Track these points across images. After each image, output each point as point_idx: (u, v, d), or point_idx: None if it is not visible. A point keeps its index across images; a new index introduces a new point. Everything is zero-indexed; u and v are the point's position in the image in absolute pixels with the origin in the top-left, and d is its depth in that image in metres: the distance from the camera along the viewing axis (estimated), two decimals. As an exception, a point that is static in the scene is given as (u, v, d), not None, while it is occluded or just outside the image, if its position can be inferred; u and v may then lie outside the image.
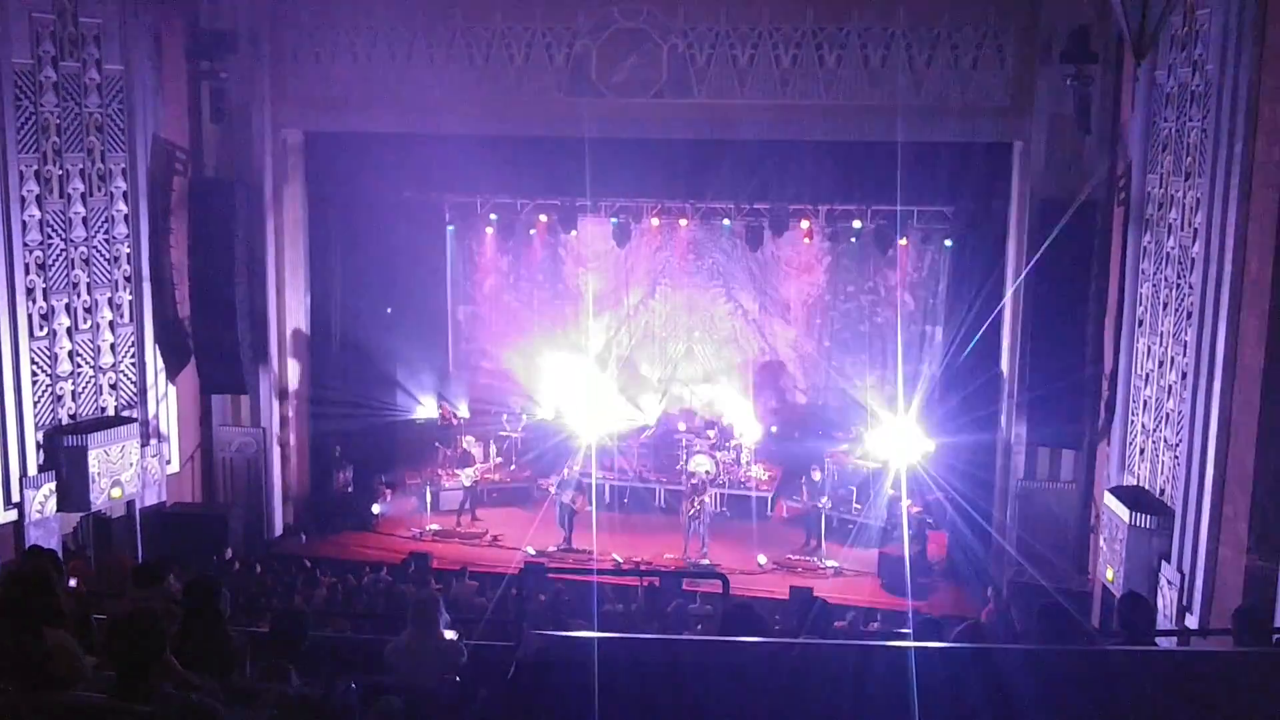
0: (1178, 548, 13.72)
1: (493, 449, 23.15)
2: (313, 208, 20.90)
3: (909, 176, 18.68)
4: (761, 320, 24.03)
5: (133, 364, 18.41)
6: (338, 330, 21.53)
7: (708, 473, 21.43)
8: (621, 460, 22.81)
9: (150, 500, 18.61)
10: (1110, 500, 15.19)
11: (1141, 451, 15.35)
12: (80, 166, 17.30)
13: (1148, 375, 15.24)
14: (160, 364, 19.05)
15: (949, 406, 19.89)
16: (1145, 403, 15.28)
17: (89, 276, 17.55)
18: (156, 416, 18.94)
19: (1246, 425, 12.47)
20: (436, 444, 22.83)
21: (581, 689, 4.26)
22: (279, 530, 20.72)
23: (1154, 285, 15.10)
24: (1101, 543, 15.69)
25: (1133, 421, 15.70)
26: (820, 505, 20.53)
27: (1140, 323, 15.54)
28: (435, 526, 21.01)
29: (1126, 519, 14.45)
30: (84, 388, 17.62)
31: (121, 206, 18.02)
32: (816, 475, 20.91)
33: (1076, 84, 16.72)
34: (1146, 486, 15.06)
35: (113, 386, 18.10)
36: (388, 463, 22.65)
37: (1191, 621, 13.12)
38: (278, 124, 19.87)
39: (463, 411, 24.20)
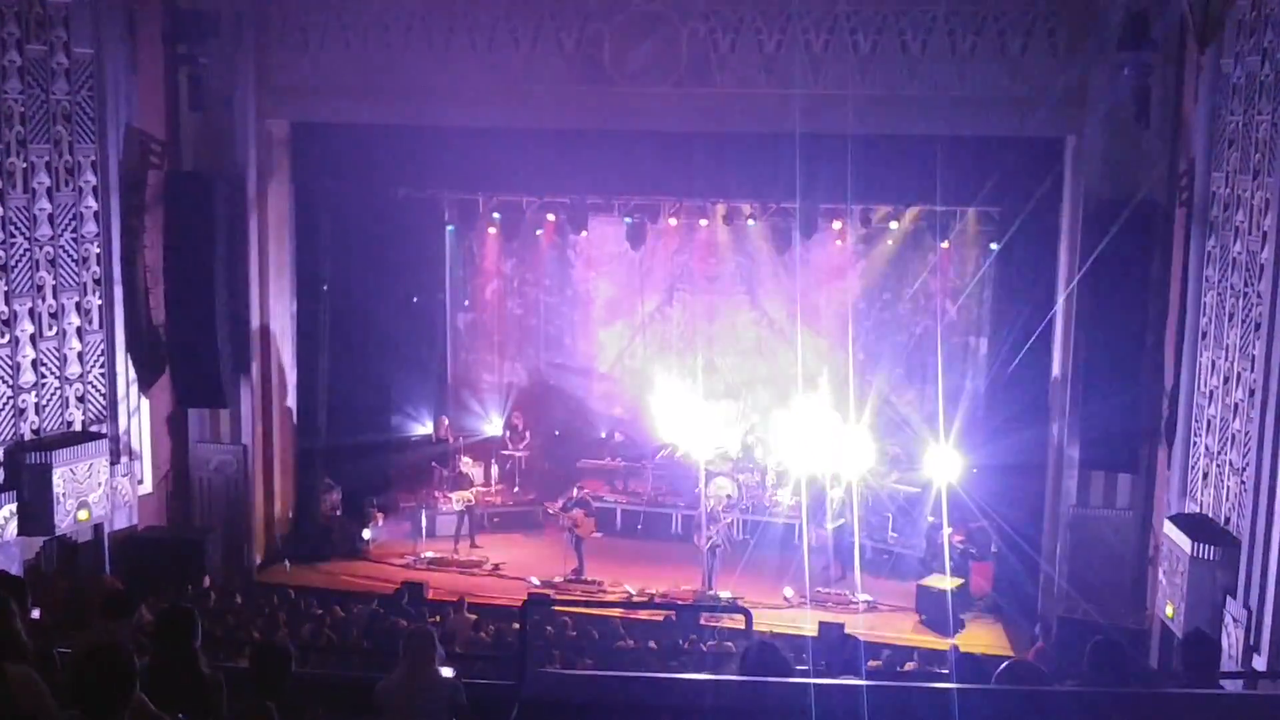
0: (1244, 582, 13.65)
1: (494, 469, 23.17)
2: (299, 205, 20.95)
3: (951, 174, 18.66)
4: (789, 330, 24.01)
5: (102, 374, 18.45)
6: (326, 339, 21.55)
7: (729, 496, 21.41)
8: (635, 483, 22.80)
9: (120, 523, 18.64)
10: (1170, 529, 15.14)
11: (1205, 476, 15.29)
12: (46, 159, 17.35)
13: (1211, 392, 15.18)
14: (132, 375, 19.10)
15: (994, 425, 19.84)
16: (1209, 422, 15.23)
17: (55, 279, 17.60)
18: (128, 432, 18.98)
19: (1321, 448, 12.43)
20: (433, 464, 22.85)
21: (589, 733, 4.27)
22: (261, 557, 20.74)
23: (1219, 294, 15.06)
24: (1161, 576, 15.64)
25: (1195, 443, 15.64)
26: (828, 530, 20.43)
27: (1203, 335, 15.49)
28: (431, 554, 21.03)
29: (1188, 550, 14.39)
30: (49, 400, 17.66)
31: (91, 203, 18.08)
32: (833, 495, 20.79)
33: (1134, 74, 16.69)
34: (1210, 515, 15.00)
35: (80, 399, 18.14)
36: (380, 484, 22.67)
37: (1259, 663, 13.05)
38: (262, 114, 19.93)
39: (461, 428, 24.22)
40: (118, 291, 18.64)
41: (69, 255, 17.79)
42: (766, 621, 17.46)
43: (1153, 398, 17.19)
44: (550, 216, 23.30)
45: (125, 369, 18.89)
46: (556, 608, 17.60)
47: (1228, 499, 14.56)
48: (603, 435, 23.98)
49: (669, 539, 21.79)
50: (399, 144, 20.06)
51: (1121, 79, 16.90)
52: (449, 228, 24.46)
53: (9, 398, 17.04)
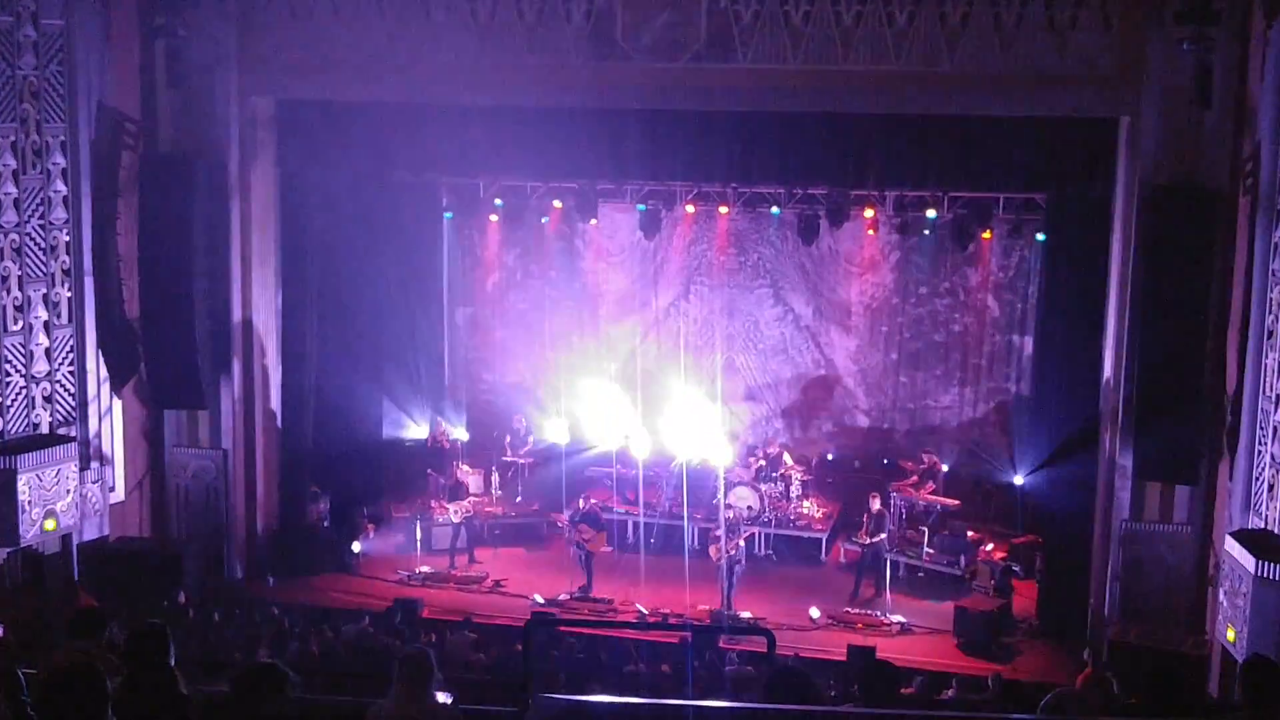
0: (1313, 604, 13.63)
1: (495, 477, 23.16)
2: (286, 190, 20.97)
3: (994, 157, 18.67)
4: (816, 327, 24.02)
5: (71, 373, 18.49)
6: (313, 335, 21.57)
7: (750, 508, 21.40)
8: (648, 493, 22.79)
9: (90, 533, 18.69)
10: (1232, 546, 15.10)
11: (1270, 488, 15.25)
12: (12, 139, 17.40)
13: (1278, 397, 15.15)
14: (104, 373, 19.13)
15: (1040, 433, 19.83)
16: (1275, 430, 15.19)
17: (21, 269, 17.65)
18: (99, 435, 19.02)
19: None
20: (429, 470, 22.86)
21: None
22: (242, 571, 20.77)
23: (1287, 289, 15.03)
24: (1221, 597, 15.60)
25: (1260, 452, 15.60)
26: (876, 543, 20.32)
27: (1270, 334, 15.45)
28: (426, 569, 21.02)
29: (1251, 569, 14.36)
30: (13, 400, 17.71)
31: (60, 186, 18.12)
32: (875, 505, 20.67)
33: (1195, 49, 16.62)
34: (1276, 530, 14.97)
35: (47, 399, 18.19)
36: (371, 492, 22.68)
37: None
38: (245, 91, 19.94)
39: (460, 432, 24.23)
40: (88, 283, 18.67)
41: (36, 244, 17.83)
42: (791, 644, 17.45)
43: (1213, 403, 17.14)
44: (556, 203, 23.27)
45: (96, 367, 18.93)
46: (562, 628, 17.59)
47: (1295, 513, 14.54)
48: (613, 441, 23.96)
49: (685, 554, 21.75)
50: (393, 124, 20.07)
51: (1180, 55, 16.83)
52: (447, 215, 24.47)
53: (-30, 397, 17.11)
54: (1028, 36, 17.74)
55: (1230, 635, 15.04)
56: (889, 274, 23.54)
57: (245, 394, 20.65)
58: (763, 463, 22.76)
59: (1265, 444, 15.47)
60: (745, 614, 19.28)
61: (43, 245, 17.91)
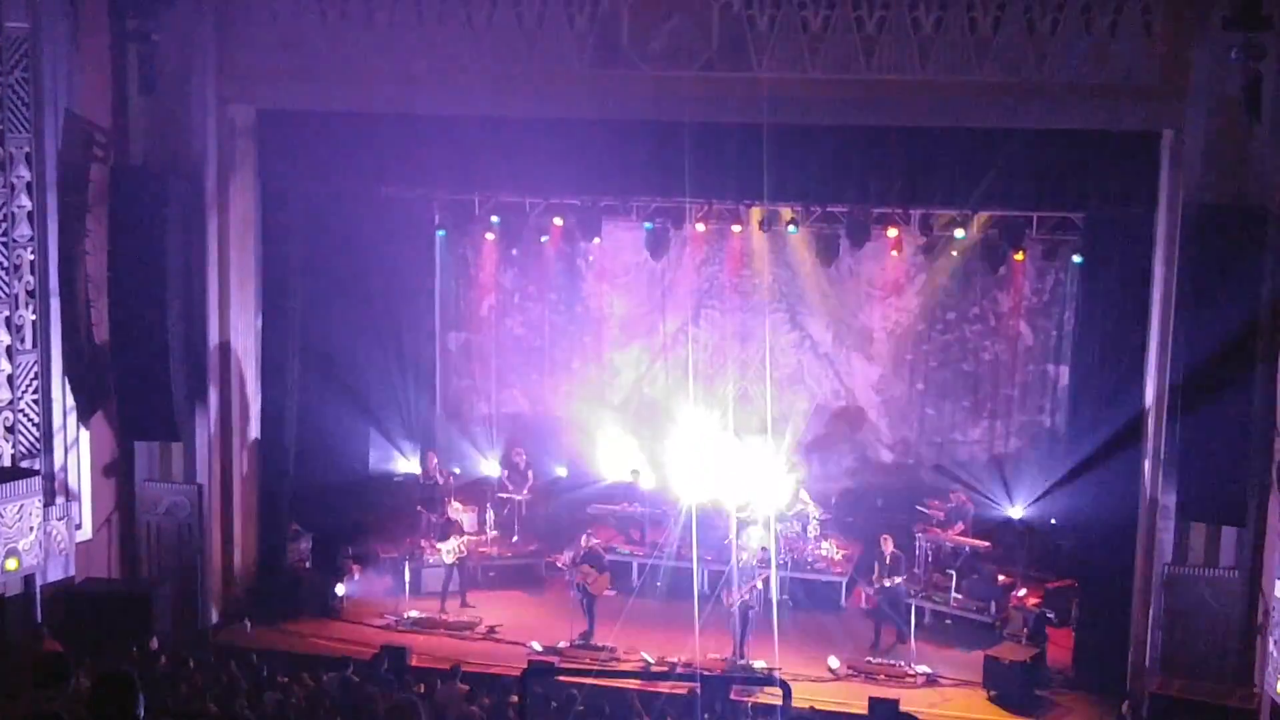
0: (1372, 655, 13.58)
1: (490, 515, 23.13)
2: (267, 206, 21.00)
3: (1027, 173, 18.64)
4: (835, 355, 23.99)
5: (36, 402, 18.48)
6: (296, 360, 21.56)
7: (764, 549, 21.34)
8: (655, 532, 22.73)
9: (55, 574, 18.66)
10: (1284, 592, 15.08)
11: (1325, 530, 15.23)
12: (-27, 150, 17.48)
13: (1333, 431, 15.12)
14: (70, 402, 19.13)
15: (1077, 469, 19.77)
16: (1330, 467, 15.16)
17: (-17, 290, 17.70)
18: (64, 468, 19.00)
19: None
20: (419, 508, 22.82)
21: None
22: (217, 615, 20.74)
23: (1342, 315, 15.01)
24: (1270, 647, 15.56)
25: (1313, 491, 15.58)
26: (892, 588, 20.21)
27: (1324, 364, 15.44)
28: (415, 613, 20.99)
29: (1305, 617, 14.33)
30: (-26, 430, 17.73)
31: (24, 201, 18.14)
32: (888, 548, 20.54)
33: (1244, 57, 16.62)
34: (1331, 575, 14.94)
35: (9, 429, 18.18)
36: (356, 531, 22.64)
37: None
38: (223, 99, 19.99)
39: (453, 466, 24.19)
40: (54, 305, 18.69)
41: (-2, 262, 17.86)
42: (808, 696, 17.41)
43: (1262, 436, 17.10)
44: (557, 221, 23.28)
45: (62, 395, 18.92)
46: (562, 678, 17.55)
47: (1352, 557, 14.49)
48: (617, 476, 23.93)
49: (694, 598, 21.70)
50: (383, 135, 20.08)
51: (1228, 64, 16.82)
52: (440, 233, 24.51)
53: (-73, 427, 17.11)
54: (1064, 44, 17.73)
55: (1281, 688, 15.00)
56: (914, 298, 23.52)
57: (222, 425, 20.65)
58: (786, 504, 22.72)
59: (1319, 482, 15.46)
60: (759, 663, 19.24)
61: (5, 264, 17.92)
